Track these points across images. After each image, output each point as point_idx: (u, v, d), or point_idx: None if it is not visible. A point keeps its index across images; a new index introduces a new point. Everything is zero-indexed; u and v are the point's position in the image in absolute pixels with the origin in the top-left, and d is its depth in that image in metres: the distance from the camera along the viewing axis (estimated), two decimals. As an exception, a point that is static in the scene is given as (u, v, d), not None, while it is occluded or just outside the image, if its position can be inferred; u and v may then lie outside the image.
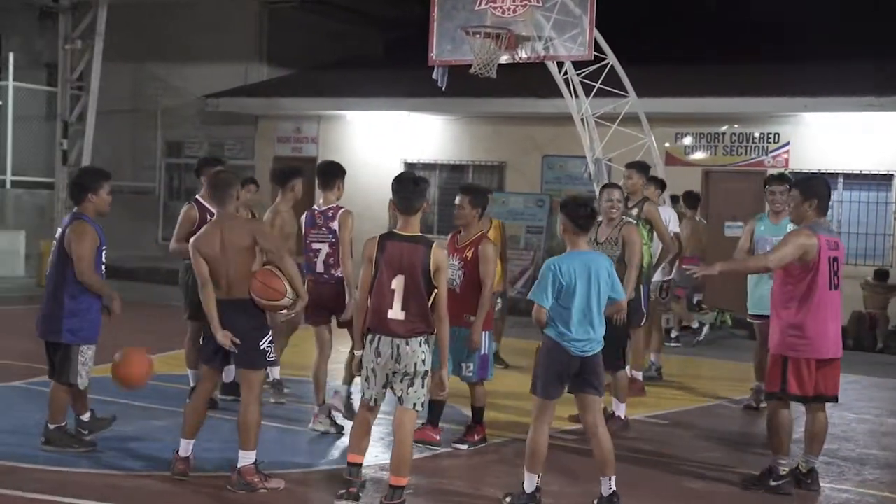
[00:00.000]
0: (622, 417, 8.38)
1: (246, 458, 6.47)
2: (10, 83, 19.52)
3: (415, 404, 5.99)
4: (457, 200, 7.69)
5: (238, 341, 6.42)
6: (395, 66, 19.10)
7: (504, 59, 12.57)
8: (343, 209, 7.83)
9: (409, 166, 19.20)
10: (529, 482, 6.16)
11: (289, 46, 21.72)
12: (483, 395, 7.74)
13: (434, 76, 13.16)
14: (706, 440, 8.35)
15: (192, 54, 21.44)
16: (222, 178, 6.68)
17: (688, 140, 16.90)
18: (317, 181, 7.98)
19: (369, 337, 5.98)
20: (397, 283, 5.89)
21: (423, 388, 5.98)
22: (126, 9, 21.54)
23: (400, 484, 5.99)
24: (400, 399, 6.01)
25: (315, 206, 7.98)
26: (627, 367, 8.78)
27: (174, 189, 22.70)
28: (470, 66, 12.45)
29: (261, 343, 6.52)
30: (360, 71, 20.41)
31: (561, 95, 13.48)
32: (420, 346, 5.93)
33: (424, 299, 5.89)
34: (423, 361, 5.95)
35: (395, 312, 5.89)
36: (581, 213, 6.10)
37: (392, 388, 5.99)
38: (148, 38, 21.72)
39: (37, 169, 21.85)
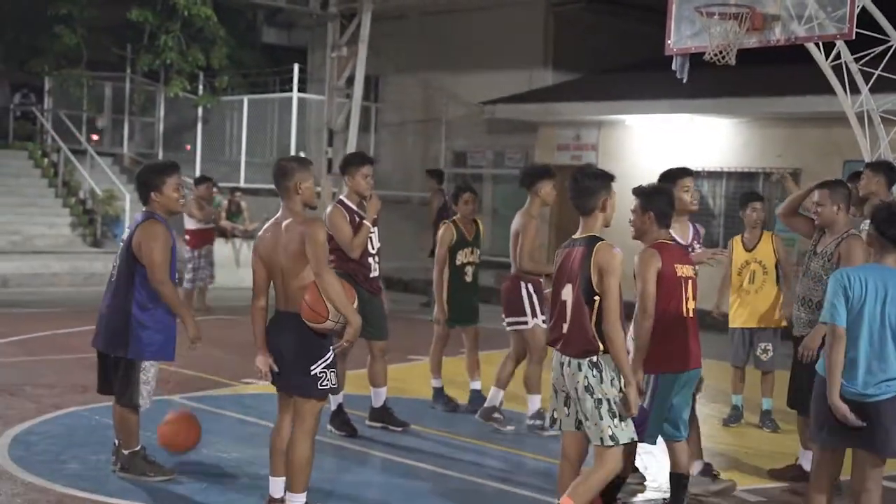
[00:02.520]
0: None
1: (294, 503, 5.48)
2: (295, 94, 19.97)
3: (602, 439, 5.19)
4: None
5: (275, 367, 5.50)
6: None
7: (752, 42, 10.73)
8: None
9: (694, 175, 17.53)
10: None
11: (575, 50, 20.64)
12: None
13: (673, 67, 11.53)
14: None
15: (477, 62, 21.03)
16: (279, 167, 5.64)
17: None
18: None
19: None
20: (567, 293, 5.23)
21: (601, 419, 5.17)
22: (413, 19, 21.56)
23: None
24: (586, 435, 5.33)
25: None
26: None
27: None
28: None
29: (311, 367, 5.46)
30: (645, 73, 18.90)
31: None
32: (581, 368, 5.16)
33: (586, 314, 5.13)
34: (588, 387, 5.15)
35: (567, 326, 5.24)
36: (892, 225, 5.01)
37: (575, 412, 5.34)
38: (436, 48, 21.63)
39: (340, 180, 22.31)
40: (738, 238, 9.07)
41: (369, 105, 23.01)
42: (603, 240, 5.23)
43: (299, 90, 20.28)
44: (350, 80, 17.08)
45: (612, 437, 5.18)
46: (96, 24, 20.95)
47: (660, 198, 5.82)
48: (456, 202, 8.78)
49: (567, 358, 5.21)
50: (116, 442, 6.42)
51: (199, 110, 21.49)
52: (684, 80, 11.60)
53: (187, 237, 13.80)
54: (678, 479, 5.93)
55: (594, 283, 5.11)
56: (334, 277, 5.43)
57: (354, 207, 7.67)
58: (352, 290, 5.60)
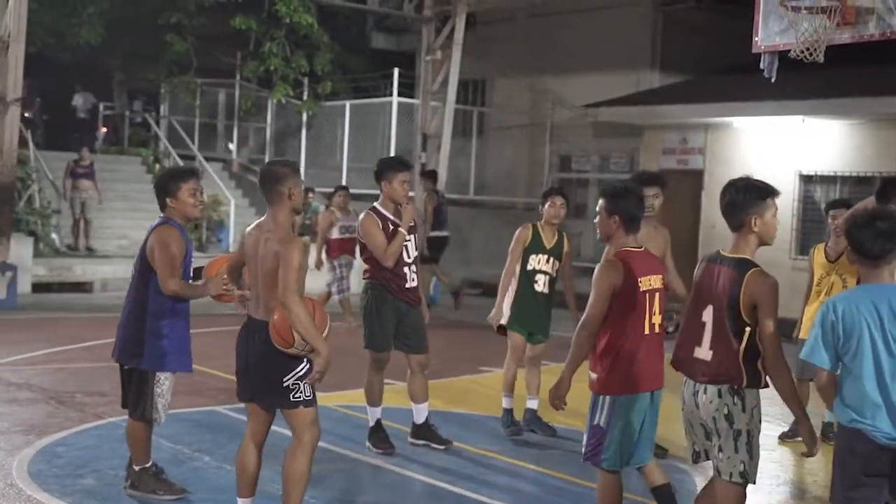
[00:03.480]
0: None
1: (287, 522, 5.17)
2: (395, 98, 19.83)
3: (731, 474, 4.67)
4: None
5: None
6: (796, 65, 16.60)
7: (844, 37, 9.95)
8: None
9: (806, 179, 16.72)
10: None
11: (683, 51, 19.92)
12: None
13: (761, 65, 10.82)
14: None
15: (584, 64, 20.55)
16: (270, 172, 5.34)
17: None
18: None
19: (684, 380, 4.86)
20: (707, 315, 4.72)
21: (736, 452, 4.64)
22: (519, 22, 21.19)
23: None
24: (715, 467, 4.78)
25: None
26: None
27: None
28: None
29: (284, 378, 5.17)
30: (755, 74, 17.98)
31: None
32: (721, 395, 4.64)
33: (731, 340, 4.61)
34: (729, 416, 4.62)
35: (703, 350, 4.71)
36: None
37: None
38: (542, 51, 21.23)
39: (447, 186, 22.13)
40: (821, 246, 8.38)
41: (474, 109, 22.77)
42: (756, 265, 4.61)
43: (408, 95, 20.16)
44: (445, 84, 16.76)
45: (743, 475, 4.65)
46: (205, 32, 21.26)
47: (627, 200, 5.22)
48: (543, 204, 8.10)
49: (703, 385, 4.67)
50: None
51: (304, 116, 21.58)
52: (773, 80, 10.86)
53: (330, 247, 13.54)
54: (664, 491, 5.48)
55: (744, 314, 4.57)
56: (300, 307, 5.02)
57: (389, 215, 7.35)
58: (323, 316, 5.24)
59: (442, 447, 7.56)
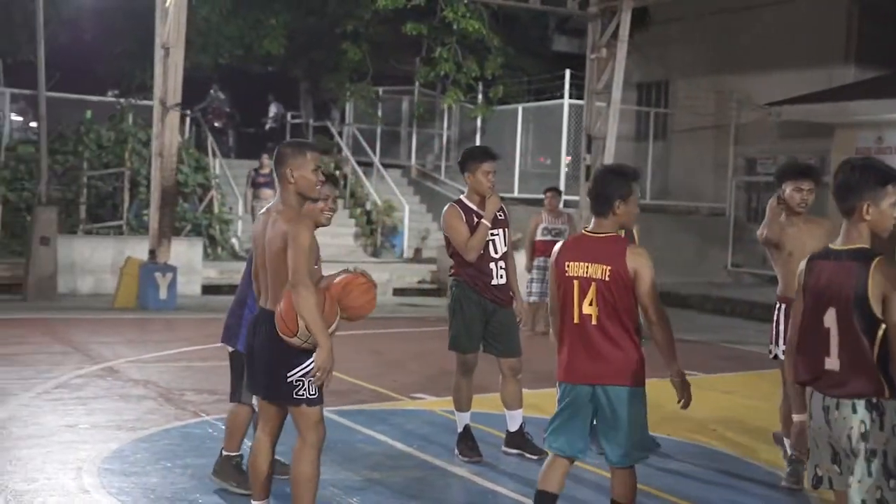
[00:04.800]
0: None
1: (296, 526, 4.88)
2: (566, 101, 19.36)
3: (864, 501, 4.01)
4: None
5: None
6: None
7: None
8: None
9: None
10: None
11: (881, 43, 18.49)
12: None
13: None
14: None
15: (771, 62, 19.47)
16: (275, 153, 5.05)
17: None
18: None
19: (810, 392, 4.27)
20: (830, 319, 4.12)
21: (870, 475, 3.99)
22: (701, 19, 20.31)
23: None
24: (844, 494, 4.16)
25: None
26: None
27: (750, 210, 20.69)
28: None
29: (288, 374, 4.85)
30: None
31: None
32: (857, 410, 4.02)
33: (863, 344, 4.00)
34: (865, 435, 4.00)
35: (832, 361, 4.13)
36: None
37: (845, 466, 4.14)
38: (726, 49, 20.29)
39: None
40: None
41: (651, 111, 22.02)
42: (880, 254, 4.06)
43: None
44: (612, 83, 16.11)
45: (880, 502, 4.02)
46: (379, 40, 21.43)
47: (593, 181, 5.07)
48: None
49: (835, 400, 4.08)
50: None
51: (478, 120, 21.38)
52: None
53: (534, 248, 13.12)
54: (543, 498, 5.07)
55: (875, 310, 3.98)
56: (310, 292, 4.69)
57: (473, 207, 6.92)
58: (333, 310, 4.89)
59: (536, 457, 7.05)
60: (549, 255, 13.11)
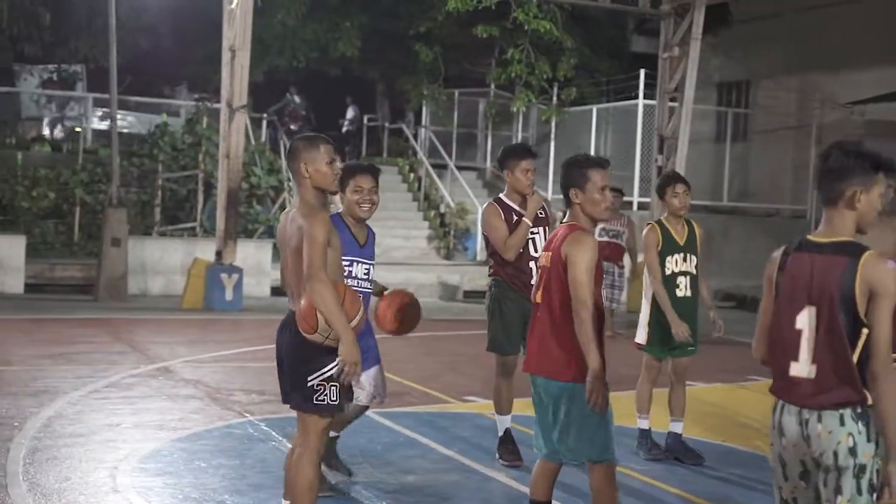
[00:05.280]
0: None
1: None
2: (641, 101, 19.00)
3: None
4: None
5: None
6: None
7: None
8: None
9: None
10: None
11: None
12: None
13: None
14: None
15: (854, 60, 18.84)
16: (290, 148, 4.94)
17: None
18: None
19: (774, 403, 3.82)
20: (804, 320, 3.69)
21: (860, 495, 3.62)
22: (784, 18, 19.78)
23: None
24: None
25: None
26: None
27: (832, 213, 20.08)
28: None
29: (309, 378, 4.71)
30: None
31: None
32: (844, 422, 3.62)
33: (846, 348, 3.61)
34: (853, 449, 3.61)
35: (801, 367, 3.69)
36: None
37: (817, 487, 3.71)
38: (808, 47, 19.71)
39: (701, 192, 21.06)
40: None
41: (728, 111, 21.53)
42: (867, 248, 3.66)
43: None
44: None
45: None
46: (453, 42, 21.33)
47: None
48: (662, 195, 7.18)
49: (812, 412, 3.64)
50: None
51: (552, 122, 21.13)
52: None
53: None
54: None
55: (860, 310, 3.59)
56: (326, 286, 4.55)
57: (514, 205, 6.75)
58: (355, 304, 4.74)
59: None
60: (612, 260, 12.80)
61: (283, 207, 18.94)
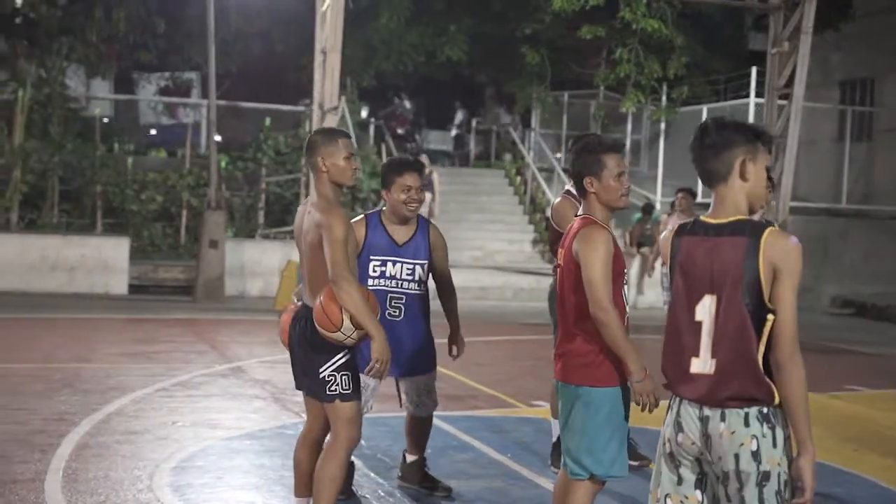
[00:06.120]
0: None
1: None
2: (752, 100, 18.33)
3: None
4: None
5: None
6: None
7: None
8: None
9: None
10: None
11: None
12: None
13: None
14: None
15: None
16: (308, 142, 4.83)
17: None
18: None
19: (671, 399, 3.45)
20: (704, 310, 3.33)
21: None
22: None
23: None
24: None
25: None
26: None
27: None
28: None
29: (320, 369, 4.63)
30: None
31: None
32: (749, 423, 3.22)
33: (751, 339, 3.23)
34: (756, 454, 3.20)
35: (701, 362, 3.31)
36: None
37: (715, 494, 3.33)
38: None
39: (820, 194, 20.29)
40: None
41: (848, 109, 20.60)
42: (767, 225, 3.33)
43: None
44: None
45: None
46: (560, 44, 21.01)
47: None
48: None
49: (715, 410, 3.26)
50: None
51: (662, 122, 20.59)
52: None
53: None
54: None
55: (766, 296, 3.22)
56: (353, 286, 4.45)
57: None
58: (375, 301, 4.69)
59: (636, 464, 6.45)
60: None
61: (384, 211, 18.93)
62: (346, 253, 4.49)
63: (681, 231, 3.41)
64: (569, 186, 6.60)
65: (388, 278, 5.67)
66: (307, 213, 4.72)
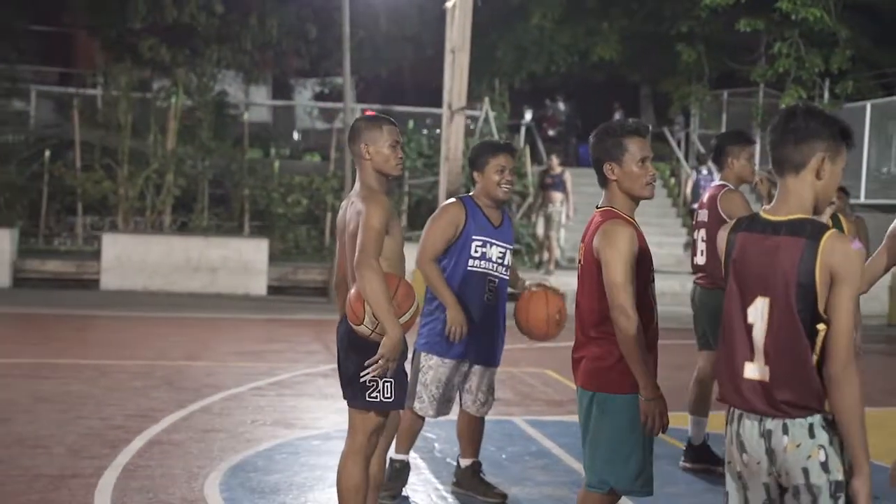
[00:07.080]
0: None
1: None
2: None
3: None
4: None
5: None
6: None
7: None
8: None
9: None
10: None
11: None
12: None
13: None
14: None
15: None
16: (351, 129, 4.55)
17: None
18: None
19: (729, 412, 3.19)
20: (756, 313, 3.08)
21: None
22: None
23: None
24: None
25: None
26: None
27: None
28: None
29: (361, 373, 4.30)
30: None
31: None
32: (814, 433, 3.00)
33: (805, 347, 2.99)
34: (825, 465, 2.98)
35: (755, 367, 3.08)
36: None
37: None
38: None
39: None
40: None
41: None
42: (828, 227, 3.03)
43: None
44: None
45: None
46: (716, 40, 20.23)
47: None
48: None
49: (777, 422, 3.01)
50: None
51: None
52: None
53: None
54: None
55: (820, 300, 2.96)
56: (375, 274, 4.14)
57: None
58: (409, 295, 4.30)
59: (721, 469, 6.06)
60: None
61: (527, 214, 18.61)
62: (378, 243, 4.22)
63: (737, 226, 3.16)
64: (718, 181, 6.28)
65: (487, 260, 5.50)
66: (350, 205, 4.45)
